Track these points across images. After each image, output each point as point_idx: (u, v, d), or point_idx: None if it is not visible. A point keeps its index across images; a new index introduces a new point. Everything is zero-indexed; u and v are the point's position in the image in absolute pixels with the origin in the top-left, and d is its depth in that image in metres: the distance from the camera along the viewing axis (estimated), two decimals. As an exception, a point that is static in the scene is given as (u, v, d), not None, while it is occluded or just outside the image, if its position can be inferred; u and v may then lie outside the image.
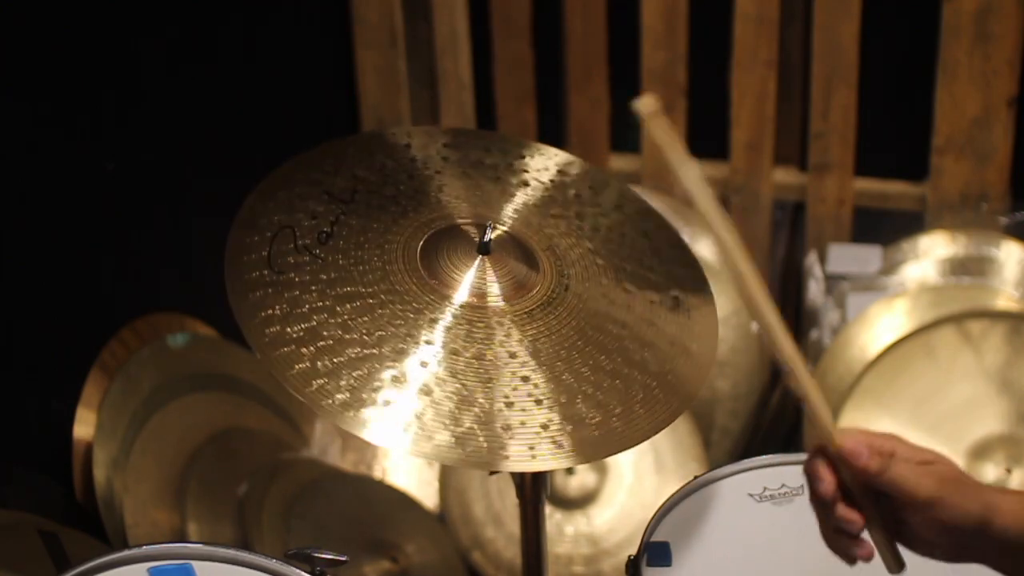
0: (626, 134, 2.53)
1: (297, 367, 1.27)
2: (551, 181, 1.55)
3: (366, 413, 1.25)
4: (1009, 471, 2.10)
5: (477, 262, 1.39)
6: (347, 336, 1.30)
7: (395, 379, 1.27)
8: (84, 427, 1.88)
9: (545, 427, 1.28)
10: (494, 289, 1.38)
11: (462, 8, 2.48)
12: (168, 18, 2.07)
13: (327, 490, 2.14)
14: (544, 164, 1.57)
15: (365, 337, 1.30)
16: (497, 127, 2.56)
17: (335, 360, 1.28)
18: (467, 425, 1.26)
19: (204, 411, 2.05)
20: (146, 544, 1.29)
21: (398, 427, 1.25)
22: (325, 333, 1.29)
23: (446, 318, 1.34)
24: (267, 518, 2.02)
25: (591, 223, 1.52)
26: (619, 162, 2.55)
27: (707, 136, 2.49)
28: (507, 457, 1.25)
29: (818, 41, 2.35)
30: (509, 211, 1.49)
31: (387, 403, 1.26)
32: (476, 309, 1.36)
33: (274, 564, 1.29)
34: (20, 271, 1.82)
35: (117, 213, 1.99)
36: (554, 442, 1.27)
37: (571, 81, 2.51)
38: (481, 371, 1.30)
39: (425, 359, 1.30)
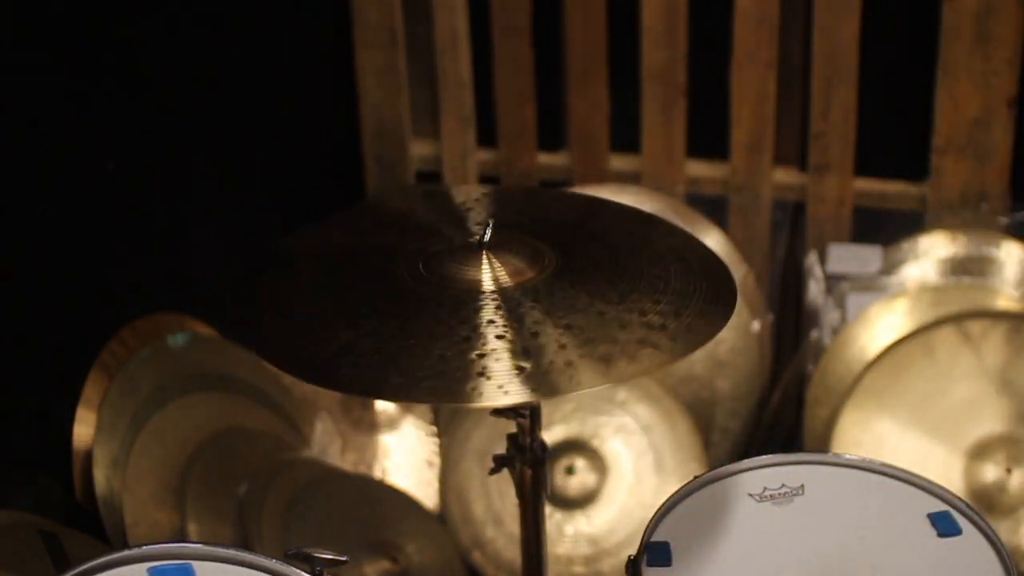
0: (626, 134, 2.53)
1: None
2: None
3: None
4: (1009, 471, 2.10)
5: (483, 257, 1.43)
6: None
7: (481, 355, 1.31)
8: (84, 427, 1.88)
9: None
10: (503, 274, 1.43)
11: (462, 8, 2.48)
12: (168, 18, 2.07)
13: (327, 490, 2.14)
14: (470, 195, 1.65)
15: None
16: (497, 127, 2.56)
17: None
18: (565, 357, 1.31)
19: (204, 411, 2.05)
20: (146, 544, 1.29)
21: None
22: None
23: (485, 303, 1.38)
24: (267, 518, 2.02)
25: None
26: (619, 162, 2.55)
27: (707, 136, 2.49)
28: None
29: (818, 41, 2.35)
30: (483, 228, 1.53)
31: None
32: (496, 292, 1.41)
33: (274, 564, 1.29)
34: (20, 271, 1.82)
35: (117, 213, 1.99)
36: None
37: (571, 81, 2.51)
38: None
39: (499, 333, 1.34)
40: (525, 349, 1.32)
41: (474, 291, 1.40)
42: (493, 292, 1.40)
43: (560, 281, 1.42)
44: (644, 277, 1.46)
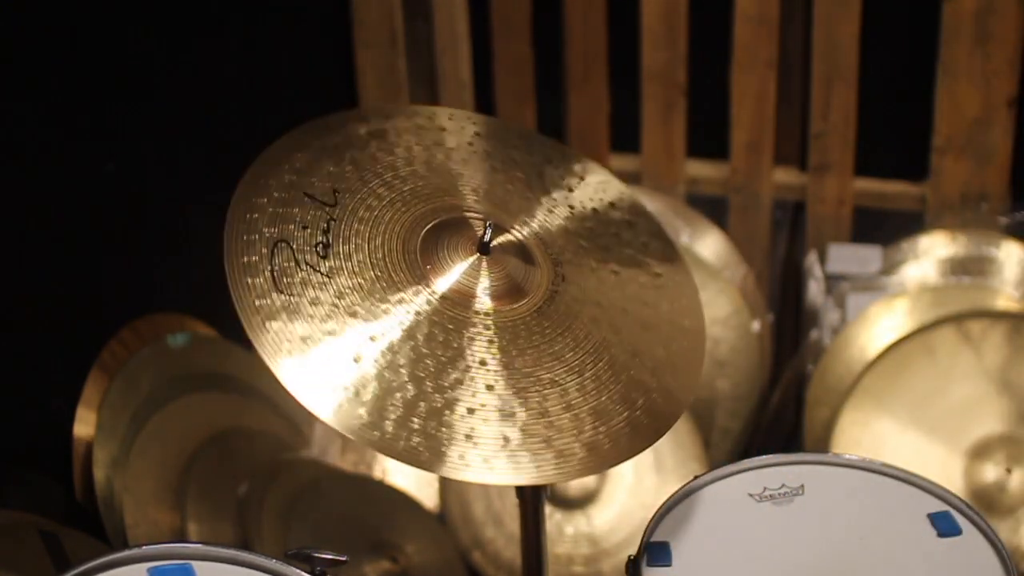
0: (626, 134, 2.53)
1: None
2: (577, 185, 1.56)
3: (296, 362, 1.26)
4: (1009, 471, 2.10)
5: (473, 260, 1.39)
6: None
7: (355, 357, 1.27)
8: (84, 427, 1.88)
9: (507, 440, 1.28)
10: (484, 290, 1.37)
11: (462, 8, 2.48)
12: (168, 18, 2.07)
13: (327, 490, 2.14)
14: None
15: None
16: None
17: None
18: (415, 421, 1.26)
19: (204, 411, 2.05)
20: (146, 544, 1.29)
21: (332, 398, 1.25)
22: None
23: (420, 304, 1.33)
24: (267, 518, 2.02)
25: (568, 204, 1.54)
26: (619, 162, 2.55)
27: (707, 136, 2.49)
28: (466, 464, 1.25)
29: (818, 41, 2.35)
30: (504, 202, 1.49)
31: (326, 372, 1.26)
32: (459, 307, 1.35)
33: (274, 564, 1.29)
34: (20, 271, 1.82)
35: (117, 213, 1.99)
36: (511, 458, 1.27)
37: (571, 81, 2.51)
38: (441, 368, 1.30)
39: (377, 334, 1.30)
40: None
41: (468, 307, 1.36)
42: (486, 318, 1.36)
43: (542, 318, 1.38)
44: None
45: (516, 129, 1.65)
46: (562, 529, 2.24)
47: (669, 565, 1.37)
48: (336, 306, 1.30)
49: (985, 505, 2.07)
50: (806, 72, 2.41)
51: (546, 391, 1.32)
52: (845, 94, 2.37)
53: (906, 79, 2.45)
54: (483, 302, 1.37)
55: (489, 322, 1.35)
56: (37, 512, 1.72)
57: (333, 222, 1.37)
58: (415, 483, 2.35)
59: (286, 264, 1.33)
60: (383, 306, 1.32)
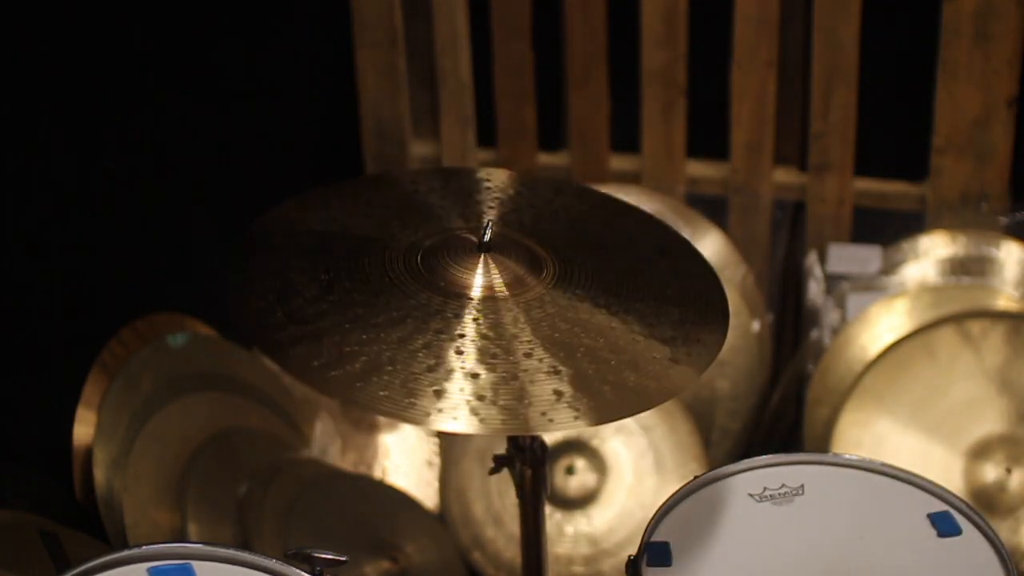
0: (626, 134, 2.53)
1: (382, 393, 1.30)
2: (488, 188, 1.60)
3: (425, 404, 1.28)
4: (1009, 471, 2.10)
5: (481, 260, 1.42)
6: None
7: (431, 367, 1.31)
8: (84, 427, 1.88)
9: (559, 395, 1.30)
10: (499, 280, 1.41)
11: (462, 8, 2.48)
12: (168, 17, 2.07)
13: (327, 490, 2.14)
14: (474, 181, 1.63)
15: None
16: (497, 127, 2.56)
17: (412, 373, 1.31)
18: (520, 399, 1.30)
19: (204, 411, 2.05)
20: (146, 544, 1.29)
21: (460, 413, 1.28)
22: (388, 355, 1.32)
23: (469, 311, 1.37)
24: (267, 518, 2.02)
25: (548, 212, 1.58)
26: (619, 162, 2.55)
27: (707, 136, 2.49)
28: (551, 420, 1.29)
29: (818, 41, 2.35)
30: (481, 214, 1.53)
31: (439, 392, 1.29)
32: (488, 301, 1.39)
33: (274, 564, 1.29)
34: (20, 271, 1.82)
35: (117, 213, 1.99)
36: (571, 407, 1.30)
37: (571, 81, 2.51)
38: (506, 352, 1.34)
39: (461, 349, 1.33)
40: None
41: (465, 296, 1.39)
42: (486, 300, 1.39)
43: (557, 297, 1.42)
44: (643, 299, 1.45)
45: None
46: (562, 529, 2.24)
47: (669, 565, 1.37)
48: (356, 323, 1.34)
49: (985, 505, 2.08)
50: (806, 72, 2.41)
51: (579, 355, 1.35)
52: (845, 94, 2.37)
53: (906, 79, 2.45)
54: (500, 291, 1.40)
55: (511, 304, 1.39)
56: (37, 512, 1.72)
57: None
58: (415, 483, 2.35)
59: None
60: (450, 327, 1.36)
